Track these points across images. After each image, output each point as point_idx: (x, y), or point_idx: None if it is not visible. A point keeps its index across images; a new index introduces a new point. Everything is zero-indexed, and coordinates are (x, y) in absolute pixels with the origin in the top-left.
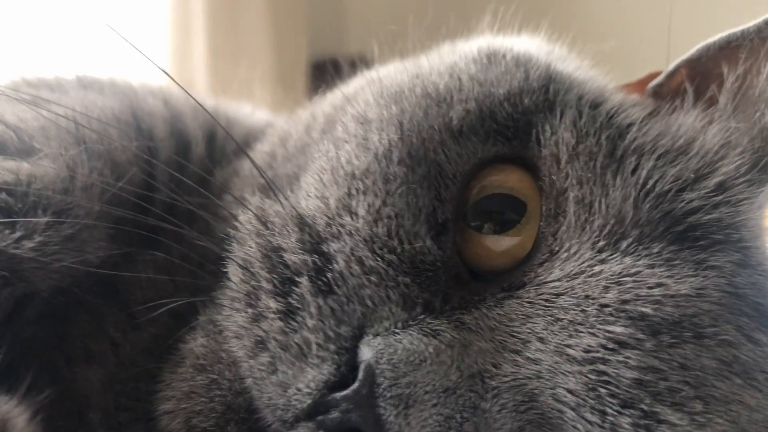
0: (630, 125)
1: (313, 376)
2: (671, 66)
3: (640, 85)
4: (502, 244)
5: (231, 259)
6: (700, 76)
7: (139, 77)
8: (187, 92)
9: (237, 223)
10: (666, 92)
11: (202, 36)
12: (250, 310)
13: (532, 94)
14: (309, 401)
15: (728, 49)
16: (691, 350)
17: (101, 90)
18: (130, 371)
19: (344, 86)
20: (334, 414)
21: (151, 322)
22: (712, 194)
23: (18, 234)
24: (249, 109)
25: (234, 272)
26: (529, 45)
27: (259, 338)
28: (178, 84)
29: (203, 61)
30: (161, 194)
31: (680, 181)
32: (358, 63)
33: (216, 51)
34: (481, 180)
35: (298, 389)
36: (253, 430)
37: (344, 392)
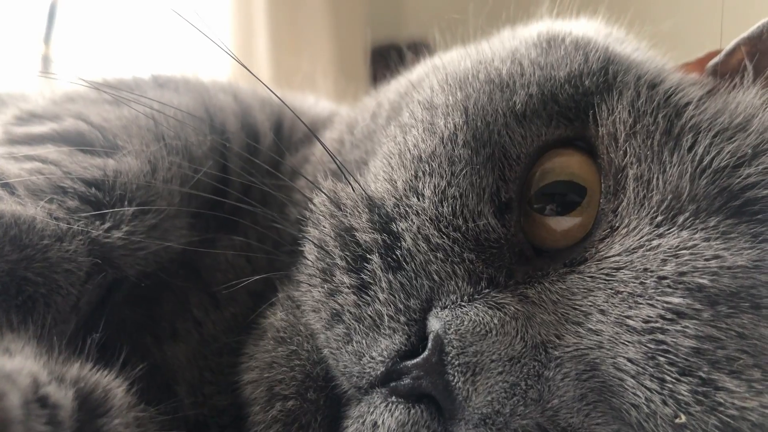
0: (687, 104)
1: (385, 346)
2: (731, 44)
3: (699, 64)
4: (563, 225)
5: (307, 238)
6: (760, 53)
7: (209, 73)
8: (260, 80)
9: (311, 206)
10: (725, 70)
11: (264, 30)
12: (326, 286)
13: (592, 75)
14: (382, 369)
15: None
16: (749, 320)
17: (176, 88)
18: (213, 347)
19: (408, 73)
20: (406, 380)
21: (231, 301)
22: None
23: (107, 225)
24: (313, 100)
25: (310, 251)
26: (587, 28)
27: (334, 311)
28: (251, 73)
29: (266, 54)
30: (235, 184)
31: (737, 157)
32: (417, 48)
33: (278, 44)
34: (543, 163)
35: (372, 358)
36: (331, 396)
37: (415, 360)
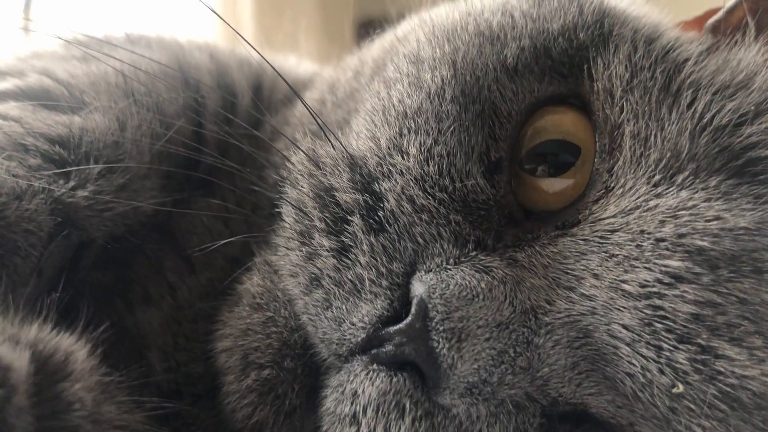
0: (686, 60)
1: (366, 311)
2: (732, 1)
3: (697, 22)
4: (556, 186)
5: (284, 200)
6: (762, 9)
7: (186, 33)
8: (239, 34)
9: (289, 165)
10: (726, 28)
11: None
12: (304, 249)
13: (587, 28)
14: (363, 335)
15: None
16: (751, 285)
17: (149, 45)
18: (188, 313)
19: (394, 30)
20: (388, 347)
21: (208, 266)
22: None
23: (72, 183)
24: (294, 61)
25: (288, 213)
26: None
27: (313, 275)
28: (231, 27)
29: (250, 15)
30: (210, 144)
31: (739, 115)
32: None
33: (262, 5)
34: (535, 122)
35: (352, 324)
36: (309, 365)
37: (397, 326)
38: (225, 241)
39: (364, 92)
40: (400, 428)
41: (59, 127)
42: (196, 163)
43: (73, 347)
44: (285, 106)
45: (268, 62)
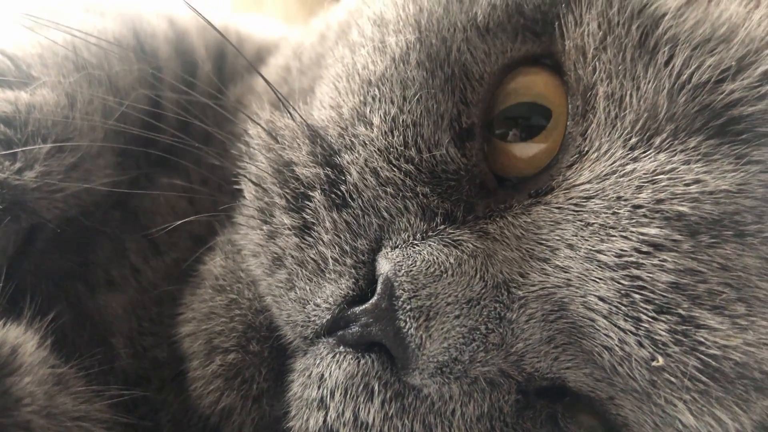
0: (664, 15)
1: (331, 291)
2: None
3: None
4: (528, 151)
5: (243, 175)
6: None
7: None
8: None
9: (247, 138)
10: None
11: None
12: (265, 227)
13: None
14: (328, 316)
15: None
16: (733, 250)
17: (102, 13)
18: (152, 296)
19: None
20: (354, 328)
21: (173, 246)
22: (756, 84)
23: (18, 165)
24: (261, 23)
25: (247, 189)
26: None
27: (275, 255)
28: None
29: None
30: (169, 118)
31: (720, 71)
32: None
33: None
34: (506, 84)
35: (317, 305)
36: (276, 347)
37: (363, 306)
38: (186, 219)
39: (329, 57)
40: (369, 411)
41: (4, 104)
42: (154, 139)
43: (21, 339)
44: (250, 72)
45: (228, 40)
